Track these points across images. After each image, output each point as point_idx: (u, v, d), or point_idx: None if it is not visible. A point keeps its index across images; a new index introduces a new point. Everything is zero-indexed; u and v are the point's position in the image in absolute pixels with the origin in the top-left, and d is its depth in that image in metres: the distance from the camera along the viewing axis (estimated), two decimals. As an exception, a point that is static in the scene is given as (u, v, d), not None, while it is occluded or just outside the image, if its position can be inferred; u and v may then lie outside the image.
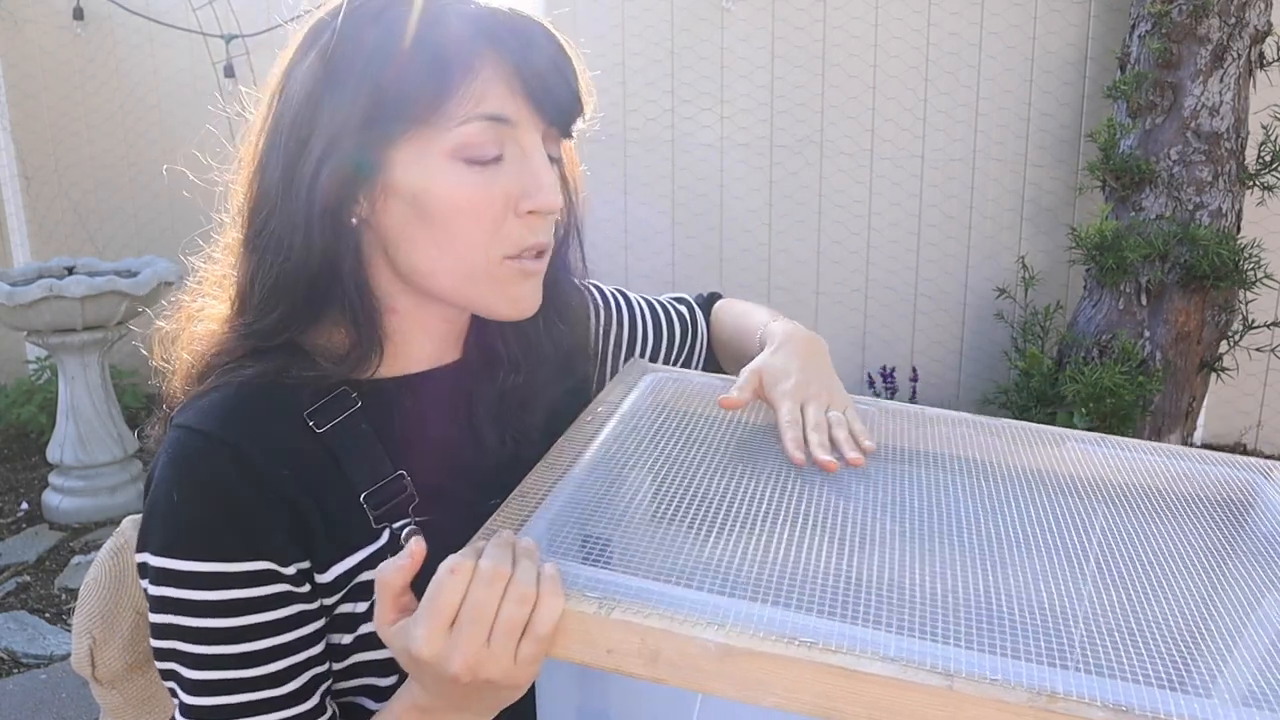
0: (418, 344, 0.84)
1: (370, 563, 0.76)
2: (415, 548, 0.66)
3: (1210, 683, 0.60)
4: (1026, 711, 0.55)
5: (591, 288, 1.04)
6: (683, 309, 1.13)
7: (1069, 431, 0.92)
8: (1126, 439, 0.92)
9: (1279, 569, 0.72)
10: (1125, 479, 0.86)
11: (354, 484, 0.77)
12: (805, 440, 0.83)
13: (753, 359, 0.94)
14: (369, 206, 0.76)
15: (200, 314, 0.83)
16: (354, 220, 0.76)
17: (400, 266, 0.79)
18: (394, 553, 0.77)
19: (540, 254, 0.81)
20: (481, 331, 0.87)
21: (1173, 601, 0.68)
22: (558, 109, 0.77)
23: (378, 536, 0.78)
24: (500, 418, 0.86)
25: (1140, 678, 0.58)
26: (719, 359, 1.14)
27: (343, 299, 0.78)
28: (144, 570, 0.74)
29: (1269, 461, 0.89)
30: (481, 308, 0.80)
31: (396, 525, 0.78)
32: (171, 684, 0.75)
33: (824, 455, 0.81)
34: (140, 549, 0.74)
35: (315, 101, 0.74)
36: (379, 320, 0.80)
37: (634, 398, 0.92)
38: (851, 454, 0.82)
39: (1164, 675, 0.59)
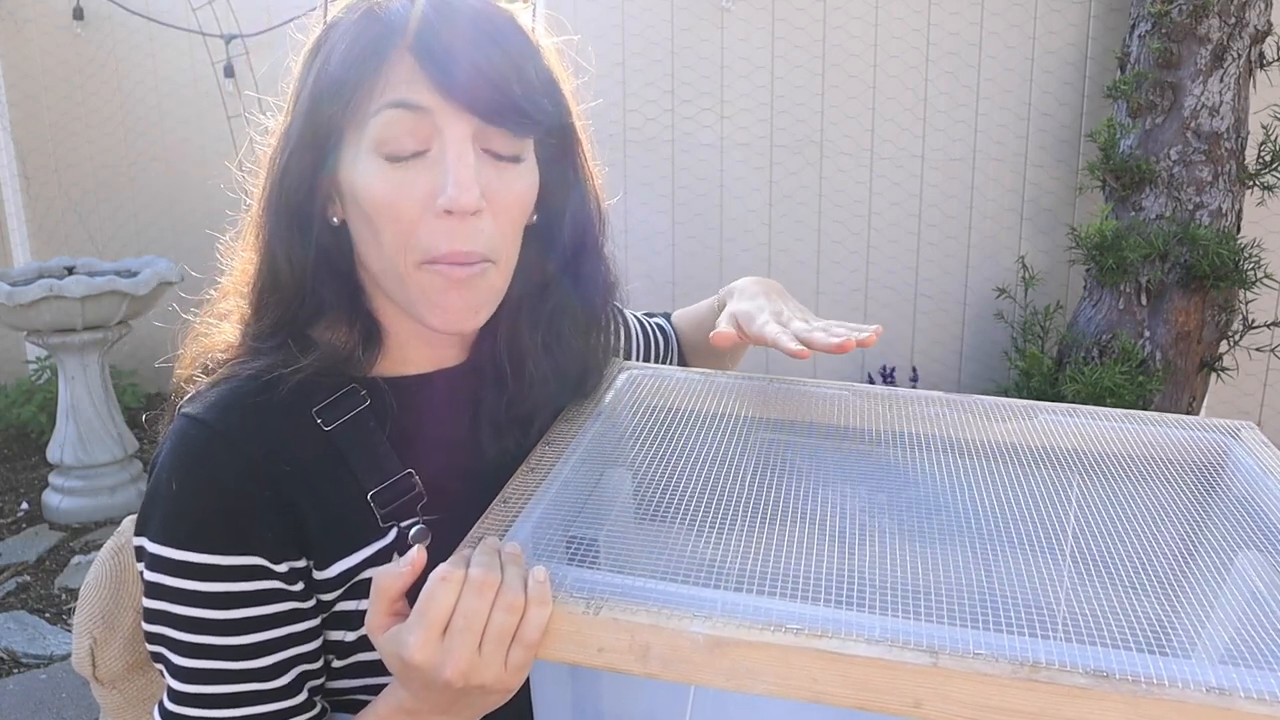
0: (413, 345, 0.84)
1: (375, 560, 0.77)
2: (416, 557, 0.66)
3: (1190, 644, 0.61)
4: (1010, 683, 0.56)
5: (616, 314, 1.02)
6: (661, 322, 1.15)
7: (1039, 404, 0.93)
8: (1096, 408, 0.93)
9: (1252, 529, 0.74)
10: (1098, 447, 0.88)
11: (361, 481, 0.77)
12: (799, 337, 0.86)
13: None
14: (341, 206, 0.78)
15: (228, 315, 0.85)
16: (335, 220, 0.78)
17: (366, 267, 0.80)
18: (401, 551, 0.77)
19: (469, 262, 0.75)
20: (482, 339, 0.87)
21: (1150, 568, 0.69)
22: (481, 102, 0.73)
23: (384, 534, 0.78)
24: (501, 430, 0.85)
25: (1121, 644, 0.59)
26: (693, 360, 1.16)
27: (336, 298, 0.80)
28: (140, 554, 0.75)
29: (1237, 422, 0.90)
30: (415, 315, 0.78)
31: (405, 524, 0.78)
32: (160, 666, 0.76)
33: (823, 336, 0.84)
34: (138, 533, 0.76)
35: (297, 106, 0.77)
36: (371, 318, 0.81)
37: (612, 396, 0.92)
38: (853, 336, 0.84)
39: (1145, 640, 0.60)
